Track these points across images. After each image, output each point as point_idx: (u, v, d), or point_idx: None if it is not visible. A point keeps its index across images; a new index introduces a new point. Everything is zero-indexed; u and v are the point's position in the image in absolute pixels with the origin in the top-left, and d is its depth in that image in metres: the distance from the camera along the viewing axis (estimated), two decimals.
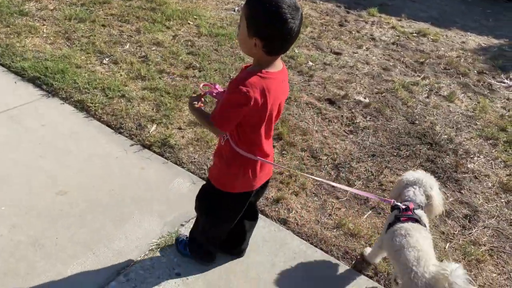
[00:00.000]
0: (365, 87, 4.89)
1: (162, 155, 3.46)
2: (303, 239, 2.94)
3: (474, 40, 6.86)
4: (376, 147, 3.95)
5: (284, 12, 1.68)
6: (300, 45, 5.58)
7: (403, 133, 4.19)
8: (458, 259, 2.97)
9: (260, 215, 3.04)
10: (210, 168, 2.30)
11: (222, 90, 2.05)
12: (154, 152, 3.48)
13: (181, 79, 4.45)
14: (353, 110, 4.43)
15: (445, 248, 3.04)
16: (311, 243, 2.92)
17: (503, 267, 2.98)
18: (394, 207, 2.43)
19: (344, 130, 4.12)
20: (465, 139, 4.25)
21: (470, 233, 3.20)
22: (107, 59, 4.56)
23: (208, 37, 5.37)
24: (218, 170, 2.22)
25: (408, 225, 2.30)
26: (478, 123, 4.56)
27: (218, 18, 6.01)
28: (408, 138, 4.13)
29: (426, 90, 5.06)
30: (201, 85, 2.26)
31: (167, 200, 3.06)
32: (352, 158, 3.76)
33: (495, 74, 5.75)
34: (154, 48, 4.92)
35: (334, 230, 3.04)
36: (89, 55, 4.58)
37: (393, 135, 4.15)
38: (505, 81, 5.61)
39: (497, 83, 5.53)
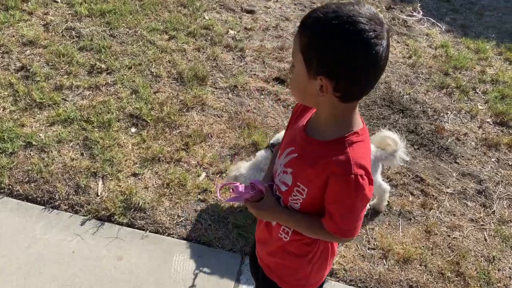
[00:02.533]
0: None
1: (133, 226, 2.46)
2: (359, 287, 2.41)
3: None
4: None
5: (364, 29, 1.05)
6: (207, 9, 4.57)
7: (370, 104, 3.76)
8: (502, 248, 2.78)
9: None
10: (276, 275, 1.57)
11: (247, 187, 1.39)
12: (121, 224, 2.45)
13: (92, 93, 3.22)
14: None
15: (485, 239, 2.82)
16: None
17: None
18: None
19: None
20: (423, 95, 4.01)
21: (493, 212, 3.02)
22: None
23: (92, 18, 4.02)
24: (294, 273, 1.54)
25: None
26: (423, 71, 4.34)
27: None
28: (378, 109, 3.72)
29: None
30: (218, 194, 1.48)
31: None
32: None
33: (401, 7, 5.59)
34: (28, 51, 3.47)
35: (385, 262, 2.56)
36: None
37: (363, 109, 3.69)
38: (414, 13, 5.48)
39: (409, 18, 5.38)
